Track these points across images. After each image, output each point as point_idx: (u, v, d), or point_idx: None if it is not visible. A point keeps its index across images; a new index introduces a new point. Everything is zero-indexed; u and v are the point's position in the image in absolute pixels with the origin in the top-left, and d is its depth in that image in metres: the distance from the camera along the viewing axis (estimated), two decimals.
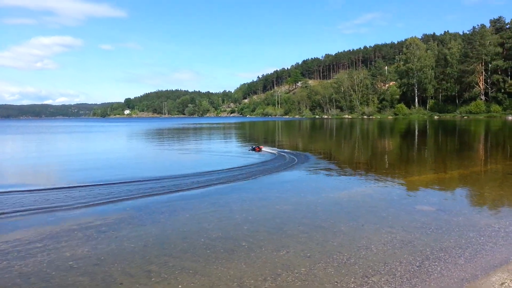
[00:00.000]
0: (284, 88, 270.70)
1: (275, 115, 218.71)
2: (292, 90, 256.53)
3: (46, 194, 11.97)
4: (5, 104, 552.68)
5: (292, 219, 9.22)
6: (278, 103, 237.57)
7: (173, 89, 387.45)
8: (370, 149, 28.61)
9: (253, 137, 45.76)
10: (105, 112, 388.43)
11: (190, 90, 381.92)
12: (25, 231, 8.32)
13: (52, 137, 50.54)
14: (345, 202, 10.94)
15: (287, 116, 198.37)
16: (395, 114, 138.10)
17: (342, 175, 15.93)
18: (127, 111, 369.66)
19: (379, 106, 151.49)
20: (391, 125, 72.95)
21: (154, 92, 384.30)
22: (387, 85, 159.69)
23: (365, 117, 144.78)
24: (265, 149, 28.22)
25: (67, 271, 6.21)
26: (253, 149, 28.15)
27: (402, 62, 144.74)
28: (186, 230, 8.37)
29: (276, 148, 27.42)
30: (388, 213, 9.75)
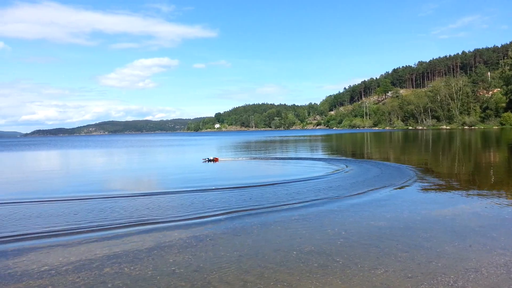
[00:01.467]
0: (373, 98, 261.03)
1: (363, 127, 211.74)
2: (382, 100, 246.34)
3: (156, 199, 13.04)
4: (113, 121, 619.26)
5: (389, 236, 8.73)
6: (367, 114, 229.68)
7: (260, 103, 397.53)
8: (473, 162, 26.04)
9: (340, 148, 44.69)
10: (198, 126, 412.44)
11: (276, 103, 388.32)
12: (131, 238, 9.11)
13: (155, 150, 55.04)
14: (448, 220, 10.06)
15: (377, 128, 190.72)
16: (502, 124, 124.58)
17: (443, 190, 14.70)
18: (217, 125, 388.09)
19: (482, 115, 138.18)
20: (497, 136, 65.80)
21: (242, 106, 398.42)
22: (490, 93, 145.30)
23: (466, 127, 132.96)
24: (223, 159, 27.58)
25: (170, 276, 6.62)
26: (211, 161, 27.19)
27: (508, 67, 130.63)
28: (278, 242, 8.41)
29: (236, 158, 27.15)
30: (499, 233, 8.74)
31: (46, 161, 41.02)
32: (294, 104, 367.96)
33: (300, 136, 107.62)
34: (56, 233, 9.53)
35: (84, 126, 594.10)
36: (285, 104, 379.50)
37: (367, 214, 10.86)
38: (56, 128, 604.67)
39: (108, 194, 15.44)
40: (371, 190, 14.82)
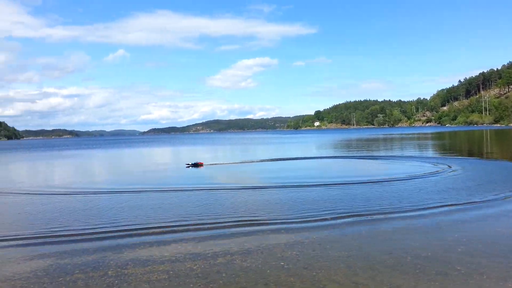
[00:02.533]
0: (493, 92, 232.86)
1: (482, 124, 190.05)
2: (504, 94, 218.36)
3: (261, 194, 13.49)
4: (218, 119, 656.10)
5: None
6: (486, 110, 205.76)
7: (362, 100, 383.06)
8: None
9: (455, 147, 40.79)
10: (297, 124, 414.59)
11: (380, 99, 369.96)
12: (240, 234, 9.52)
13: (256, 148, 56.93)
14: None
15: (498, 125, 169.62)
16: None
17: None
18: (316, 123, 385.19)
19: None
20: None
21: (343, 103, 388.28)
22: None
23: None
24: (208, 164, 26.02)
25: (279, 271, 6.74)
26: (194, 165, 26.22)
27: None
28: (389, 245, 7.99)
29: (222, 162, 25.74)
30: None
31: (162, 156, 45.29)
32: (399, 100, 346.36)
33: (407, 134, 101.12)
34: (172, 228, 10.47)
35: (192, 125, 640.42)
36: (389, 100, 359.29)
37: (492, 220, 9.73)
38: (169, 127, 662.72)
39: (216, 186, 16.42)
40: (497, 194, 13.24)
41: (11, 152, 71.89)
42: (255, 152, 45.80)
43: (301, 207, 11.92)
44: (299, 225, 9.78)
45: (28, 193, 16.87)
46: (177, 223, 10.44)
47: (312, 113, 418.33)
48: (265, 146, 60.00)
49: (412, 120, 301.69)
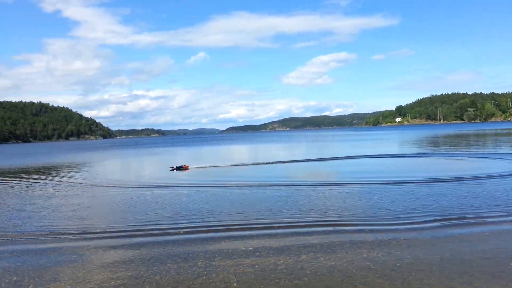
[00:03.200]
0: None
1: None
2: None
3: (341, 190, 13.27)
4: (294, 117, 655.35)
5: None
6: None
7: (449, 93, 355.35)
8: None
9: None
10: (377, 120, 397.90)
11: (470, 92, 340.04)
12: (323, 230, 9.44)
13: (337, 145, 55.87)
14: None
15: None
16: None
17: None
18: (398, 119, 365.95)
19: None
20: None
21: (427, 97, 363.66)
22: None
23: None
24: (193, 167, 25.09)
25: (366, 271, 6.55)
26: (179, 168, 25.23)
27: None
28: (487, 250, 7.34)
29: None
30: None
31: (240, 153, 46.58)
32: (493, 93, 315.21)
33: (503, 129, 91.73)
34: (255, 226, 10.72)
35: (269, 123, 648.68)
36: (481, 92, 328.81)
37: None
38: (246, 125, 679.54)
39: (297, 182, 16.45)
40: None
41: (107, 149, 79.17)
42: (333, 149, 44.98)
43: (384, 206, 11.46)
44: (385, 227, 9.41)
45: (124, 187, 18.45)
46: (259, 220, 10.67)
47: (393, 108, 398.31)
48: (343, 143, 58.62)
49: (507, 115, 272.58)
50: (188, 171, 24.70)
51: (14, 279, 6.84)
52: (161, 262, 7.44)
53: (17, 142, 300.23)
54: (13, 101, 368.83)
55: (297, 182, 17.64)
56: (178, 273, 6.87)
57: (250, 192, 15.48)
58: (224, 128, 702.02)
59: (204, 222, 10.64)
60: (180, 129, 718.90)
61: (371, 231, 8.94)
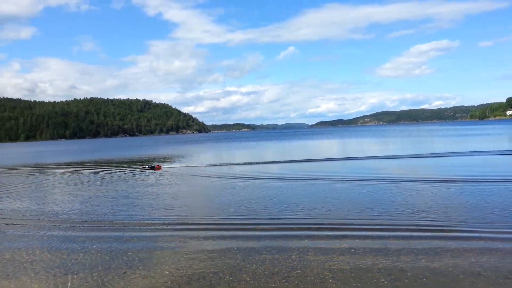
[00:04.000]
0: None
1: None
2: None
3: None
4: (387, 111, 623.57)
5: None
6: None
7: None
8: None
9: None
10: (484, 114, 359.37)
11: None
12: (423, 235, 8.86)
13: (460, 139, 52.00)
14: None
15: None
16: None
17: None
18: (509, 112, 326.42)
19: None
20: None
21: None
22: None
23: None
24: (166, 167, 25.09)
25: (475, 277, 6.01)
26: (152, 168, 25.00)
27: None
28: None
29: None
30: None
31: (330, 147, 45.81)
32: None
33: None
34: (348, 226, 10.48)
35: (360, 117, 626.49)
36: None
37: None
38: (336, 120, 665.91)
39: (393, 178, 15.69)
40: None
41: (204, 142, 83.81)
42: (437, 145, 41.84)
43: (496, 208, 10.35)
44: (497, 235, 8.51)
45: (220, 177, 19.39)
46: (354, 220, 10.41)
47: (503, 100, 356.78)
48: (448, 138, 54.19)
49: None
50: (160, 170, 24.65)
51: (125, 259, 7.63)
52: (256, 252, 7.69)
53: (125, 136, 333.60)
54: (121, 98, 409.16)
55: (394, 178, 16.82)
56: (272, 264, 7.03)
57: (343, 187, 15.19)
58: (313, 123, 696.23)
59: (297, 218, 10.66)
60: (269, 124, 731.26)
61: (481, 238, 8.10)
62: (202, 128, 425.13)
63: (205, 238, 8.99)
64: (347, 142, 59.00)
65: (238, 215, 11.17)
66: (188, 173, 22.60)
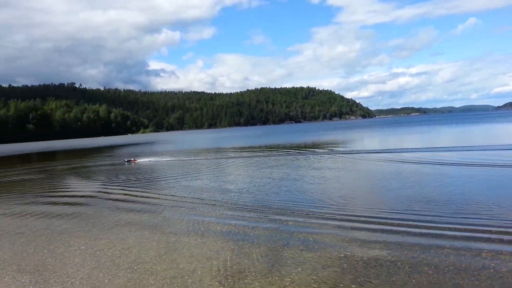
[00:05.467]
0: None
1: None
2: None
3: None
4: None
5: None
6: None
7: None
8: None
9: None
10: None
11: None
12: None
13: None
14: None
15: None
16: None
17: None
18: None
19: None
20: None
21: None
22: None
23: None
24: (140, 161, 26.93)
25: None
26: (128, 162, 27.75)
27: None
28: None
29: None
30: None
31: None
32: None
33: None
34: None
35: None
36: None
37: None
38: None
39: None
40: None
41: (372, 128, 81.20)
42: None
43: None
44: None
45: (391, 161, 18.52)
46: None
47: None
48: None
49: None
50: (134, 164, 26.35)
51: (301, 239, 8.05)
52: (438, 247, 7.08)
53: (291, 122, 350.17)
54: (287, 87, 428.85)
55: None
56: (459, 260, 6.39)
57: None
58: (500, 104, 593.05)
59: (488, 218, 9.33)
60: (444, 107, 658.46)
61: None
62: (366, 113, 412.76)
63: (377, 230, 8.71)
64: None
65: (414, 210, 10.43)
66: (355, 158, 22.30)
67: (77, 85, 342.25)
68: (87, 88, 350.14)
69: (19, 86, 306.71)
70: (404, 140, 38.99)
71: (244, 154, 31.47)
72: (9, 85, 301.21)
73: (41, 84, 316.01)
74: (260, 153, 30.93)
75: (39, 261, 7.54)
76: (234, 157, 28.66)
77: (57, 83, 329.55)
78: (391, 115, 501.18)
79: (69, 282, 6.42)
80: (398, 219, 9.03)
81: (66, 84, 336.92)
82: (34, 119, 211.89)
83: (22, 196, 15.92)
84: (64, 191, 16.68)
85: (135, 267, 6.92)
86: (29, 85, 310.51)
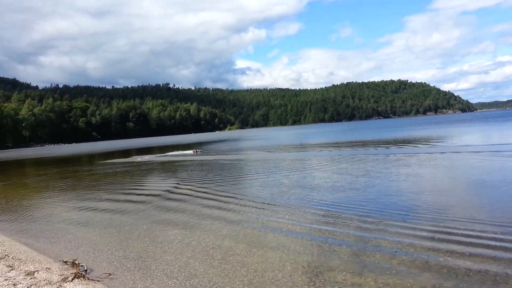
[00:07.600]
0: None
1: None
2: None
3: None
4: None
5: None
6: None
7: None
8: None
9: None
10: None
11: None
12: None
13: None
14: None
15: None
16: None
17: None
18: None
19: None
20: None
21: None
22: None
23: None
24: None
25: None
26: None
27: None
28: None
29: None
30: None
31: None
32: None
33: None
34: None
35: None
36: None
37: None
38: None
39: None
40: None
41: (476, 122, 74.29)
42: None
43: None
44: None
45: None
46: None
47: None
48: None
49: None
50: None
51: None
52: None
53: (379, 118, 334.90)
54: (376, 81, 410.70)
55: None
56: None
57: None
58: None
59: None
60: None
61: None
62: (466, 106, 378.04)
63: (481, 245, 7.96)
64: None
65: None
66: (463, 157, 20.56)
67: (171, 85, 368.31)
68: (180, 88, 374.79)
69: (121, 87, 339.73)
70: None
71: (331, 150, 30.91)
72: (112, 86, 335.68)
73: (139, 85, 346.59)
74: (349, 149, 30.10)
75: (141, 248, 8.24)
76: (320, 154, 28.30)
77: (153, 84, 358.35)
78: (495, 108, 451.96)
79: (169, 270, 6.91)
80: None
81: (161, 84, 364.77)
82: (134, 118, 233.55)
83: (122, 187, 17.57)
84: (156, 185, 17.99)
85: (228, 259, 7.21)
86: (129, 86, 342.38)
